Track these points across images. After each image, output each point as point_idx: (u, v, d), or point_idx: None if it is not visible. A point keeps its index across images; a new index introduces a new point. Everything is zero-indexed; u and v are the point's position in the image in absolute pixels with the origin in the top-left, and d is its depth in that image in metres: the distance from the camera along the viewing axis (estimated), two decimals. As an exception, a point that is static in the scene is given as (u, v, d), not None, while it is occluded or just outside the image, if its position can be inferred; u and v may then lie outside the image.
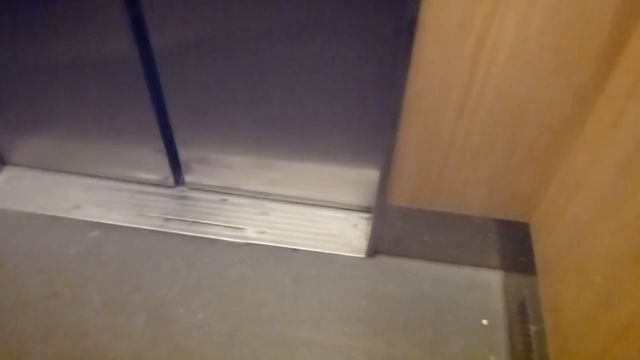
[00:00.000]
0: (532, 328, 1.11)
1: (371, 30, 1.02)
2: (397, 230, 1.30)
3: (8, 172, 1.54)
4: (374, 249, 1.37)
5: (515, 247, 1.26)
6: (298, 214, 1.45)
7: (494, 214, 1.20)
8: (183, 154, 1.39)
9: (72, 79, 1.23)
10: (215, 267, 1.35)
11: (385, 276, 1.35)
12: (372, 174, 1.33)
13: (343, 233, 1.42)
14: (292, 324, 1.25)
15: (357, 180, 1.36)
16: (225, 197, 1.48)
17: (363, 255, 1.38)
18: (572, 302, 0.94)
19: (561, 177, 1.04)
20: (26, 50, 1.19)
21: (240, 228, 1.42)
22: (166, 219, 1.43)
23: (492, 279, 1.34)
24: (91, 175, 1.52)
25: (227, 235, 1.40)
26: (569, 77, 0.89)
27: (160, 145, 1.35)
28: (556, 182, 1.06)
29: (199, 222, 1.43)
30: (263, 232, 1.41)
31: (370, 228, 1.33)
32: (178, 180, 1.48)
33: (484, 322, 1.27)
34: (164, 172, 1.45)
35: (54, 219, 1.43)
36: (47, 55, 1.19)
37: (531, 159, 1.05)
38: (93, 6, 1.08)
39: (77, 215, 1.44)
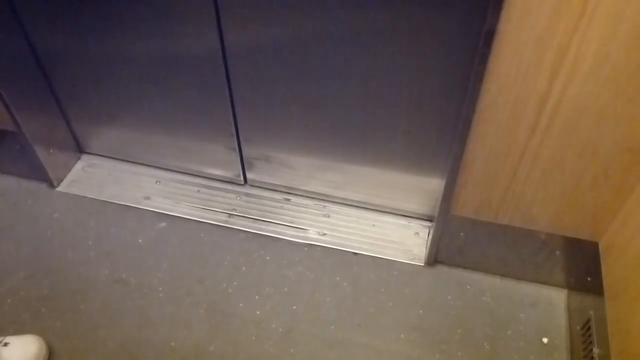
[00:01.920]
0: (596, 351, 1.08)
1: (446, 39, 1.02)
2: (459, 241, 1.29)
3: (85, 160, 1.61)
4: (434, 258, 1.36)
5: (582, 266, 1.22)
6: (360, 218, 1.45)
7: (561, 231, 1.17)
8: (246, 151, 1.42)
9: (153, 73, 1.28)
10: (275, 265, 1.37)
11: (445, 286, 1.33)
12: (436, 183, 1.32)
13: (404, 240, 1.41)
14: (348, 327, 1.26)
15: (420, 188, 1.36)
16: (289, 196, 1.50)
17: (423, 264, 1.37)
18: (641, 327, 0.91)
19: (636, 197, 1.00)
20: (110, 42, 1.24)
21: (302, 228, 1.43)
22: (231, 215, 1.47)
23: (556, 297, 1.31)
24: (162, 168, 1.57)
25: (289, 235, 1.42)
26: (652, 95, 0.87)
27: (234, 143, 1.39)
28: (631, 202, 1.02)
29: (262, 220, 1.45)
30: (324, 234, 1.42)
31: (431, 237, 1.32)
32: (246, 178, 1.52)
33: (545, 340, 1.24)
34: (235, 169, 1.48)
35: (125, 208, 1.49)
36: (130, 48, 1.24)
37: (605, 177, 1.02)
38: (180, 2, 1.12)
39: (146, 205, 1.49)
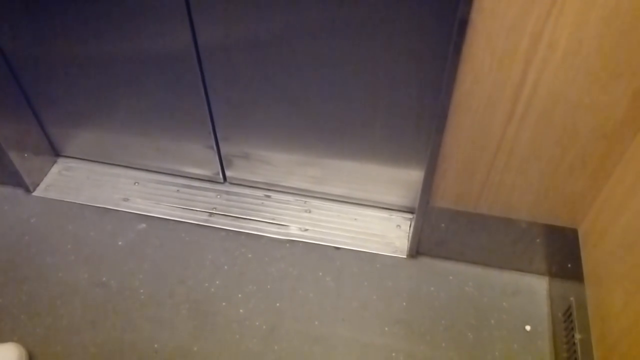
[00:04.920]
0: (578, 336, 1.09)
1: (420, 30, 1.02)
2: (440, 232, 1.29)
3: (61, 163, 1.59)
4: (416, 250, 1.36)
5: (562, 253, 1.23)
6: (341, 213, 1.45)
7: (541, 219, 1.18)
8: (224, 149, 1.41)
9: (127, 73, 1.26)
10: (258, 262, 1.36)
11: (427, 278, 1.34)
12: (416, 175, 1.32)
13: (386, 233, 1.41)
14: (333, 322, 1.26)
15: (401, 180, 1.36)
16: (269, 193, 1.50)
17: (405, 256, 1.37)
18: (620, 310, 0.91)
19: (613, 183, 1.01)
20: (83, 43, 1.22)
21: (284, 225, 1.43)
22: (211, 214, 1.45)
23: (537, 285, 1.32)
24: (140, 169, 1.55)
25: (270, 232, 1.42)
26: (626, 80, 0.87)
27: (211, 141, 1.37)
28: (608, 188, 1.03)
29: (243, 218, 1.45)
30: (306, 230, 1.42)
31: (412, 229, 1.32)
32: (226, 176, 1.50)
33: (527, 328, 1.25)
34: (214, 168, 1.47)
35: (104, 210, 1.47)
36: (103, 48, 1.22)
37: (582, 163, 1.02)
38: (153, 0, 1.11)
39: (125, 207, 1.47)
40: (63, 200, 1.50)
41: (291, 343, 1.23)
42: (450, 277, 1.34)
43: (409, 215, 1.44)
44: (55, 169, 1.58)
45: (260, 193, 1.50)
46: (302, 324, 1.26)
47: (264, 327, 1.25)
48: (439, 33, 1.01)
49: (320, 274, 1.34)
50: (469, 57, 0.90)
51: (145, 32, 1.16)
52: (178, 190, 1.51)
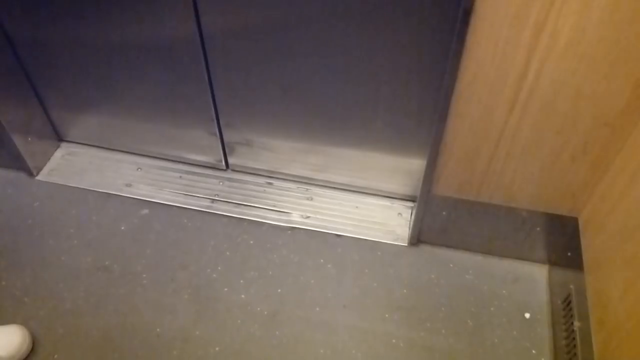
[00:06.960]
0: (577, 324, 1.10)
1: (424, 18, 1.02)
2: (441, 220, 1.30)
3: (64, 148, 1.59)
4: (417, 238, 1.37)
5: (562, 242, 1.24)
6: (343, 201, 1.46)
7: (542, 208, 1.18)
8: (227, 135, 1.41)
9: (132, 59, 1.26)
10: (259, 249, 1.37)
11: (428, 265, 1.34)
12: (418, 163, 1.32)
13: (387, 221, 1.42)
14: (333, 309, 1.27)
15: (402, 168, 1.36)
16: (271, 180, 1.50)
17: (406, 244, 1.38)
18: (619, 298, 0.92)
19: (614, 172, 1.01)
20: (86, 28, 1.22)
21: (286, 212, 1.43)
22: (214, 200, 1.46)
23: (537, 273, 1.33)
24: (143, 155, 1.55)
25: (272, 219, 1.42)
26: (627, 69, 0.87)
27: (214, 128, 1.38)
28: (609, 177, 1.04)
29: (245, 205, 1.45)
30: (308, 217, 1.42)
31: (414, 217, 1.33)
32: (228, 163, 1.51)
33: (527, 315, 1.26)
34: (217, 154, 1.47)
35: (107, 195, 1.48)
36: (107, 34, 1.22)
37: (583, 153, 1.03)
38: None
39: (128, 193, 1.48)
40: (66, 185, 1.50)
41: (292, 329, 1.24)
42: (451, 265, 1.35)
43: (410, 204, 1.45)
44: (58, 153, 1.58)
45: (262, 180, 1.51)
46: (304, 310, 1.27)
47: (266, 312, 1.26)
48: (442, 22, 1.01)
49: (322, 261, 1.35)
50: (472, 46, 0.90)
51: (150, 18, 1.16)
52: (181, 177, 1.51)
